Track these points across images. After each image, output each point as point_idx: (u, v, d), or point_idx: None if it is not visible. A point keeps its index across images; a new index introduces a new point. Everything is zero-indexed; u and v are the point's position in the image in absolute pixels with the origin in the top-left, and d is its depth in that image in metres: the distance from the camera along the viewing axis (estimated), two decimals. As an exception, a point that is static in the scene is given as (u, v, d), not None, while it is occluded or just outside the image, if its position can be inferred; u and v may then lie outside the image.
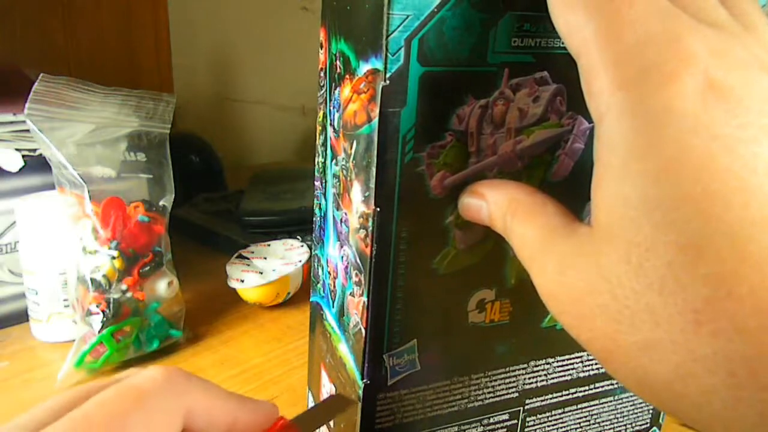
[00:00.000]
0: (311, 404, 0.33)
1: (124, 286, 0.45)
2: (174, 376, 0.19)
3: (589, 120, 0.25)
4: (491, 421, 0.28)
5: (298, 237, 0.63)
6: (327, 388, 0.29)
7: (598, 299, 0.18)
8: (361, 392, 0.25)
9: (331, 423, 0.28)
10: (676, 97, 0.16)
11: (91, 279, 0.44)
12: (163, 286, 0.48)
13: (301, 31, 1.04)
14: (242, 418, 0.21)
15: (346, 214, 0.26)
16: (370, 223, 0.23)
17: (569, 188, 0.25)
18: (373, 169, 0.22)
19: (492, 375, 0.27)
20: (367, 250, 0.23)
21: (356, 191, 0.24)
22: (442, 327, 0.26)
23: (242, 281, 0.53)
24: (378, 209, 0.23)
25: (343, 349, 0.27)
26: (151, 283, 0.47)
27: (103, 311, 0.44)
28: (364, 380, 0.25)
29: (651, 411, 0.33)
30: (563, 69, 0.23)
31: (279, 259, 0.55)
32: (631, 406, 0.32)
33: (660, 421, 0.33)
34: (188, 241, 0.68)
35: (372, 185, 0.23)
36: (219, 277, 0.56)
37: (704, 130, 0.16)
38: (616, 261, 0.17)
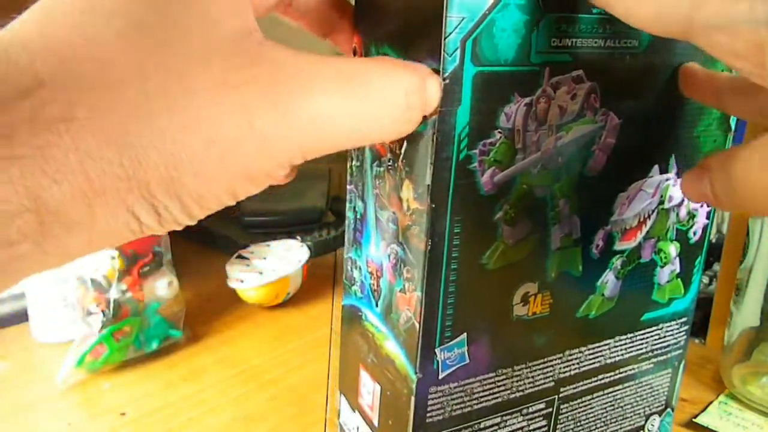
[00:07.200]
0: (345, 408, 0.33)
1: (124, 286, 0.45)
2: None
3: (619, 116, 0.26)
4: (530, 410, 0.29)
5: (298, 237, 0.63)
6: (368, 388, 0.29)
7: None
8: (414, 386, 0.26)
9: (376, 421, 0.29)
10: None
11: (91, 279, 0.44)
12: (163, 286, 0.47)
13: (300, 32, 1.02)
14: None
15: (394, 213, 0.26)
16: (424, 220, 0.24)
17: (603, 181, 0.27)
18: (429, 167, 0.23)
19: (532, 366, 0.28)
20: (422, 246, 0.24)
21: (407, 190, 0.24)
22: (489, 320, 0.26)
23: (242, 281, 0.52)
24: (433, 206, 0.23)
25: (391, 346, 0.27)
26: (151, 283, 0.47)
27: (103, 311, 0.44)
28: (417, 374, 0.25)
29: (666, 393, 0.34)
30: (595, 67, 0.25)
31: (279, 260, 0.55)
32: (649, 389, 0.33)
33: (673, 402, 0.35)
34: (188, 241, 0.67)
35: (427, 182, 0.23)
36: (219, 277, 0.56)
37: None
38: None
